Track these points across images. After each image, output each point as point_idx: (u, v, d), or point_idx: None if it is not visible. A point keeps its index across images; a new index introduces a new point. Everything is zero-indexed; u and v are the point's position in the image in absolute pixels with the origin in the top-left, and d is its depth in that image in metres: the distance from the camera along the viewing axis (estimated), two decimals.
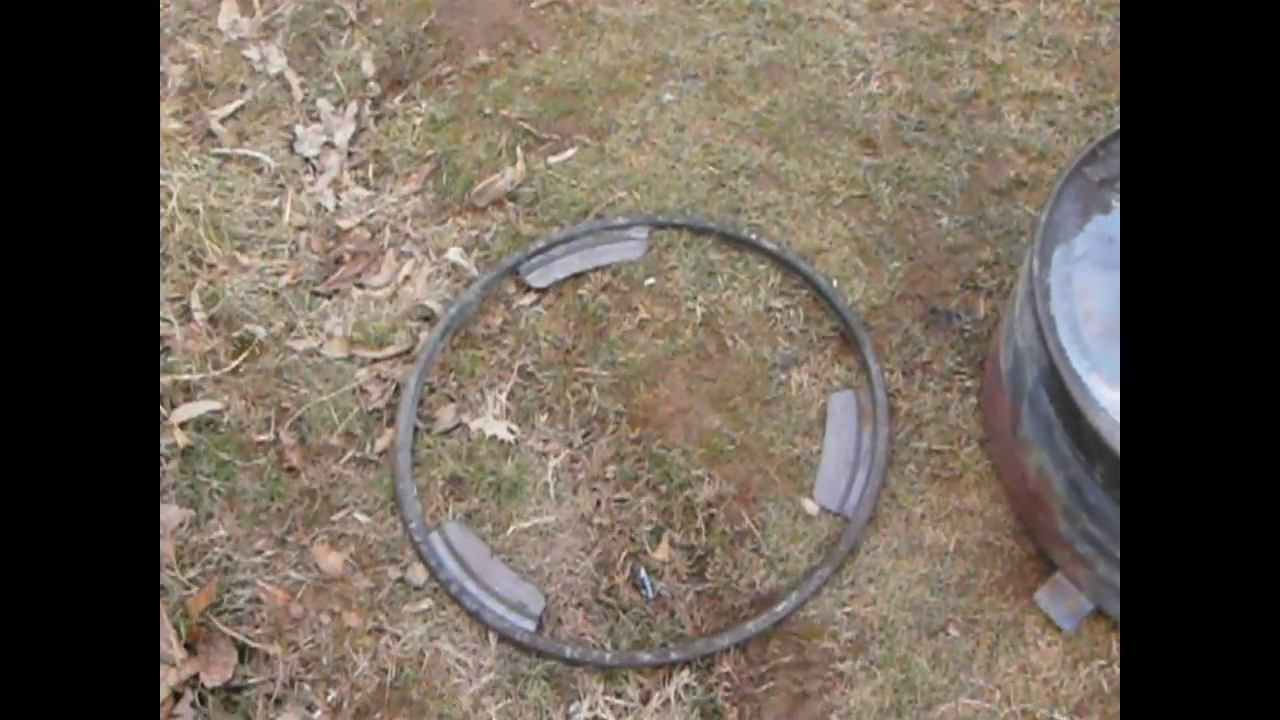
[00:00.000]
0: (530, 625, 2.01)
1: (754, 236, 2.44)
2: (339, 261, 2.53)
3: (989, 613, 2.00)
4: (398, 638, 2.00)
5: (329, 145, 2.76)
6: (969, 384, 2.26)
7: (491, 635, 2.01)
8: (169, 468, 2.15)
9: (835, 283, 2.39)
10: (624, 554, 2.10)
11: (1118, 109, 2.66)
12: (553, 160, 2.66)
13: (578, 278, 2.45)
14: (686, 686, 1.96)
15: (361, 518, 2.13)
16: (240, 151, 2.68)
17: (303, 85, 2.86)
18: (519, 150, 2.68)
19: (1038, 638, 1.98)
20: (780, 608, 1.99)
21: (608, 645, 2.00)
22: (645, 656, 1.96)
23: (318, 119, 2.81)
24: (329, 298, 2.46)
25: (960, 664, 1.95)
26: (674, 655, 1.96)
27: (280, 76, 2.87)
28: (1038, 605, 1.99)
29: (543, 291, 2.44)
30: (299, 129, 2.76)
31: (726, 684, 1.95)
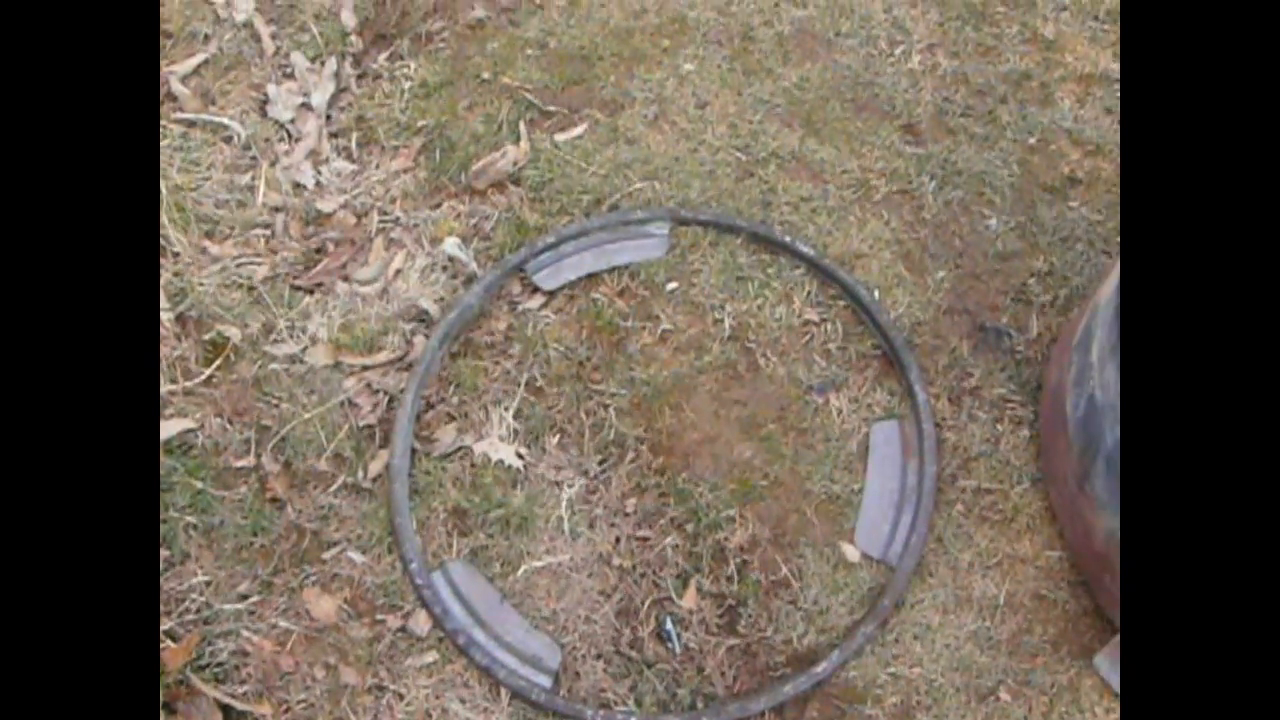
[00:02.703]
0: (546, 681, 1.89)
1: (788, 238, 2.28)
2: (320, 251, 2.33)
3: (1042, 675, 1.92)
4: (401, 696, 1.87)
5: (305, 107, 2.53)
6: (1021, 413, 2.15)
7: (504, 691, 1.89)
8: None
9: (876, 294, 2.24)
10: (647, 601, 1.98)
11: None
12: (560, 138, 2.46)
13: (591, 279, 2.28)
14: None
15: (355, 556, 1.99)
16: (206, 117, 2.43)
17: (274, 36, 2.61)
18: (522, 125, 2.47)
19: (1094, 704, 1.91)
20: (820, 668, 1.89)
21: (630, 703, 1.90)
22: None
23: (291, 75, 2.57)
24: (311, 293, 2.27)
25: None
26: (705, 718, 1.86)
27: (248, 25, 2.62)
28: (1097, 670, 1.91)
29: (552, 294, 2.27)
30: (271, 88, 2.53)
31: None
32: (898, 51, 2.61)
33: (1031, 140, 2.48)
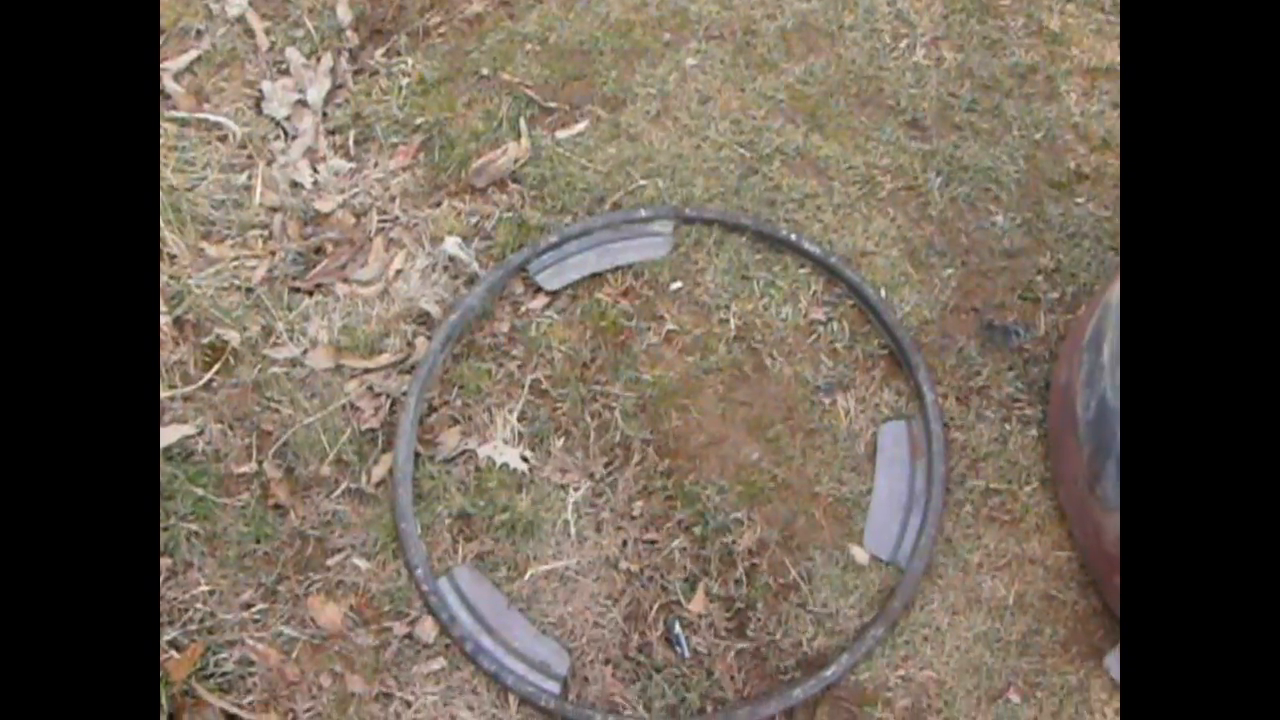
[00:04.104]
0: (555, 687, 1.90)
1: (793, 236, 2.29)
2: (319, 251, 2.33)
3: (1052, 675, 1.94)
4: (409, 704, 1.89)
5: (302, 104, 2.53)
6: (1029, 413, 2.16)
7: (512, 697, 1.90)
8: None
9: (883, 292, 2.25)
10: (655, 605, 1.99)
11: None
12: (561, 135, 2.47)
13: (594, 279, 2.29)
14: None
15: (360, 563, 2.00)
16: (200, 115, 2.43)
17: (268, 32, 2.61)
18: (522, 122, 2.48)
19: (1104, 704, 1.93)
20: (830, 671, 1.91)
21: (640, 709, 1.91)
22: None
23: (287, 72, 2.57)
24: (310, 295, 2.27)
25: None
26: None
27: (242, 20, 2.62)
28: (1107, 671, 1.93)
29: (555, 294, 2.27)
30: (266, 85, 2.53)
31: None
32: (902, 45, 2.62)
33: (1038, 135, 2.49)
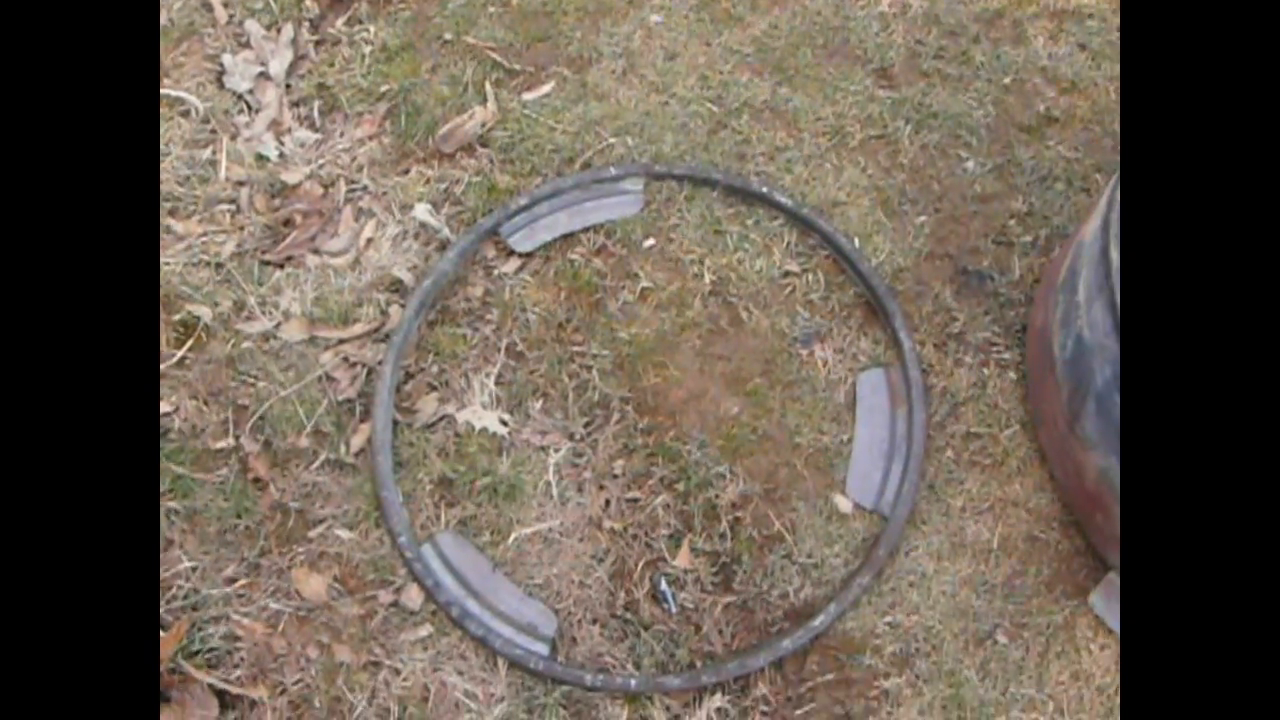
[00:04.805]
0: (543, 649, 1.90)
1: (765, 189, 2.27)
2: (288, 223, 2.30)
3: (1038, 615, 1.95)
4: (397, 671, 1.87)
5: (264, 77, 2.49)
6: (1007, 356, 2.16)
7: (501, 661, 1.90)
8: None
9: (857, 242, 2.24)
10: (641, 562, 1.99)
11: None
12: (527, 97, 2.43)
13: (567, 239, 2.26)
14: (719, 710, 1.88)
15: (343, 533, 1.98)
16: (161, 91, 2.39)
17: (226, 4, 2.56)
18: (488, 85, 2.44)
19: (1089, 641, 1.93)
20: (818, 621, 1.91)
21: (629, 666, 1.91)
22: (674, 681, 1.87)
23: (247, 44, 2.52)
24: (281, 268, 2.24)
25: (1010, 674, 1.90)
26: (705, 678, 1.87)
27: None
28: (1092, 608, 1.94)
29: (528, 256, 2.25)
30: (226, 58, 2.48)
31: (764, 707, 1.88)
32: None
33: (1006, 80, 2.48)
